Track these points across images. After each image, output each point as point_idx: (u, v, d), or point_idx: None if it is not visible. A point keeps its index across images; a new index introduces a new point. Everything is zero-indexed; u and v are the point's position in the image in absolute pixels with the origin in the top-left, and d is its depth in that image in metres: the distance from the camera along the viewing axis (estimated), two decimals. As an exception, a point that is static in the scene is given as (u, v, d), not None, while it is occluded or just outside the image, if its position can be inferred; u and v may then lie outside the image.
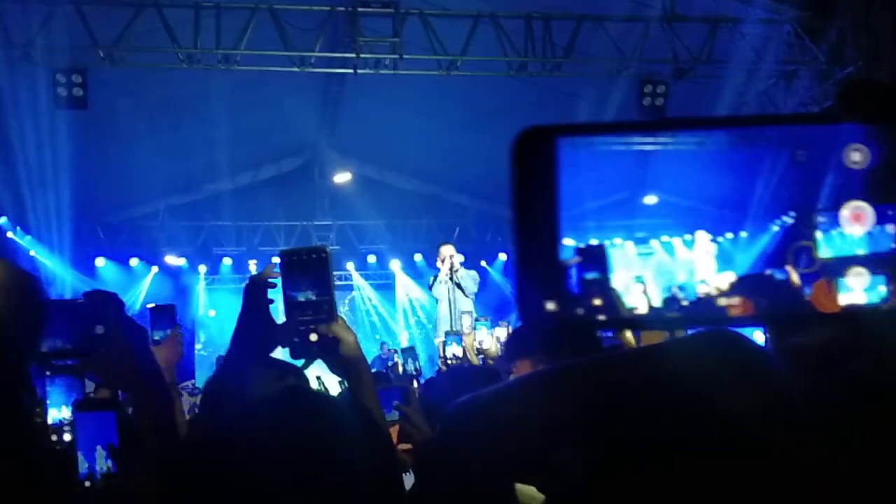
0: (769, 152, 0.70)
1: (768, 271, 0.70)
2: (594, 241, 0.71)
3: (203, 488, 1.24)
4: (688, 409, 0.78)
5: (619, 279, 0.71)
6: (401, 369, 7.04)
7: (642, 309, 0.71)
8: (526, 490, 2.27)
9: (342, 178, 17.87)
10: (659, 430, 0.82)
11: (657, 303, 0.71)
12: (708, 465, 0.80)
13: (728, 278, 0.71)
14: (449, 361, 6.25)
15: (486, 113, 14.35)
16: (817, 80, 11.93)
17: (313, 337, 1.98)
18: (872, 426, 0.72)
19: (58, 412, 3.01)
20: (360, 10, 10.94)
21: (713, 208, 0.71)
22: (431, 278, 9.80)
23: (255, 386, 2.02)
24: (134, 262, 17.10)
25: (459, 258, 9.50)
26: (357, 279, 19.18)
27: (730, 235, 0.71)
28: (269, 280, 1.99)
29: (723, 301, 0.70)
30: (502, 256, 18.16)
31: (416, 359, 6.81)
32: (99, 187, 14.73)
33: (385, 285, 19.12)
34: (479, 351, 5.99)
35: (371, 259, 18.41)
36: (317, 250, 2.00)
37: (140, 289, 17.20)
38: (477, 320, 6.34)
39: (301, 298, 1.97)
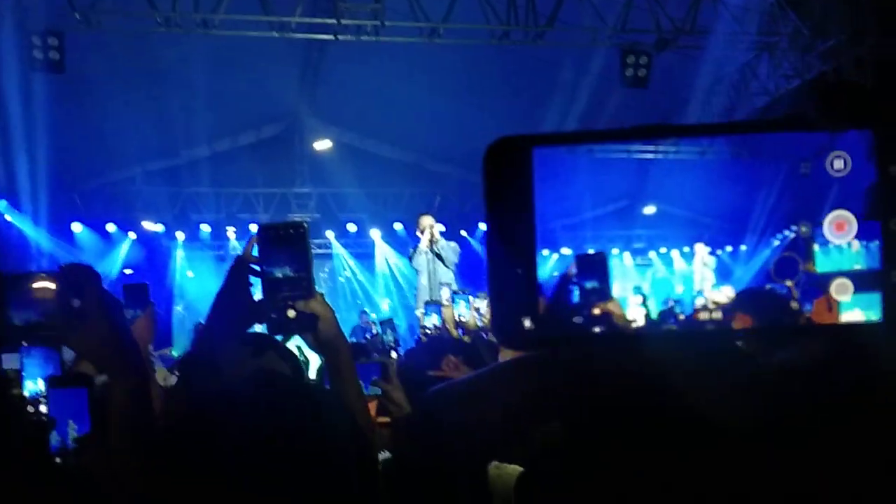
0: (766, 163, 0.67)
1: (768, 286, 0.68)
2: (591, 251, 0.68)
3: (178, 468, 1.25)
4: (660, 396, 0.78)
5: (617, 290, 0.68)
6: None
7: (640, 321, 0.68)
8: (507, 469, 2.28)
9: (322, 145, 17.73)
10: (628, 411, 0.81)
11: (654, 315, 0.69)
12: (675, 446, 0.80)
13: (727, 292, 0.68)
14: (428, 332, 6.25)
15: (469, 81, 14.27)
16: (800, 52, 11.93)
17: (291, 313, 1.96)
18: (849, 426, 0.72)
19: (34, 384, 2.97)
20: (341, -26, 10.81)
21: (713, 220, 0.68)
22: (411, 249, 9.76)
23: (230, 362, 2.00)
24: (111, 227, 16.94)
25: (439, 228, 9.47)
26: (337, 247, 19.11)
27: (729, 248, 0.69)
28: (253, 264, 1.96)
29: (721, 315, 0.68)
30: (483, 226, 18.12)
31: (394, 329, 6.82)
32: (75, 152, 14.53)
33: (365, 254, 19.05)
34: (459, 324, 5.99)
35: (351, 227, 18.32)
36: (295, 225, 1.98)
37: (117, 255, 17.07)
38: (456, 293, 6.32)
39: (279, 274, 1.95)
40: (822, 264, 0.66)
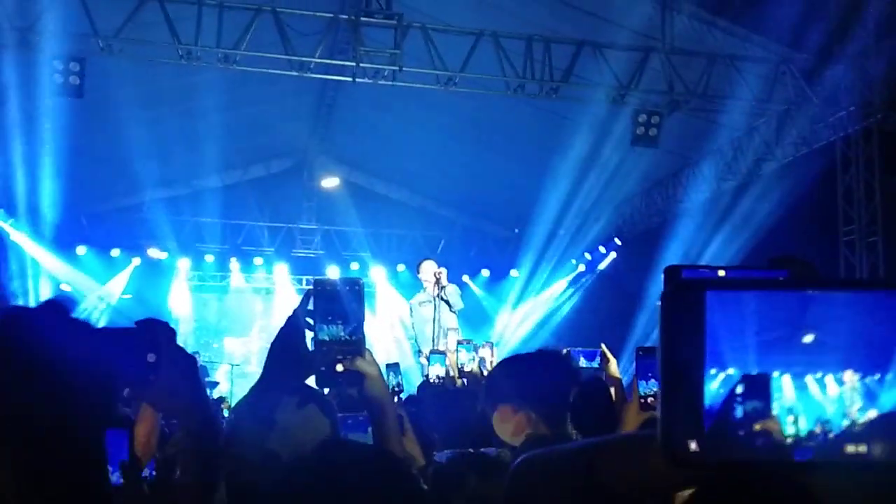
0: None
1: None
2: (755, 373, 0.75)
3: None
4: None
5: (776, 410, 0.75)
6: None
7: (793, 438, 0.75)
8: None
9: (330, 182, 17.86)
10: None
11: (803, 433, 0.75)
12: None
13: (871, 415, 0.75)
14: (432, 381, 6.24)
15: (481, 129, 14.42)
16: (809, 122, 12.07)
17: (339, 368, 2.01)
18: None
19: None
20: (362, 19, 10.97)
21: (865, 349, 0.76)
22: (414, 298, 9.69)
23: (284, 413, 2.06)
24: (115, 252, 16.96)
25: (444, 272, 9.47)
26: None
27: (877, 376, 0.75)
28: (307, 317, 2.02)
29: (863, 439, 0.75)
30: (485, 273, 18.20)
31: (398, 373, 6.80)
32: (86, 175, 14.61)
33: (366, 293, 18.99)
34: (463, 373, 6.00)
35: (354, 266, 18.34)
36: (351, 282, 2.04)
37: (120, 280, 17.07)
38: (461, 342, 6.33)
39: (331, 329, 1.99)
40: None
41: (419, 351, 9.53)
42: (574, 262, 17.42)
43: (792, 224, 11.19)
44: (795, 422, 0.76)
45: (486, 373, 6.10)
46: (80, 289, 16.10)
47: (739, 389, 0.75)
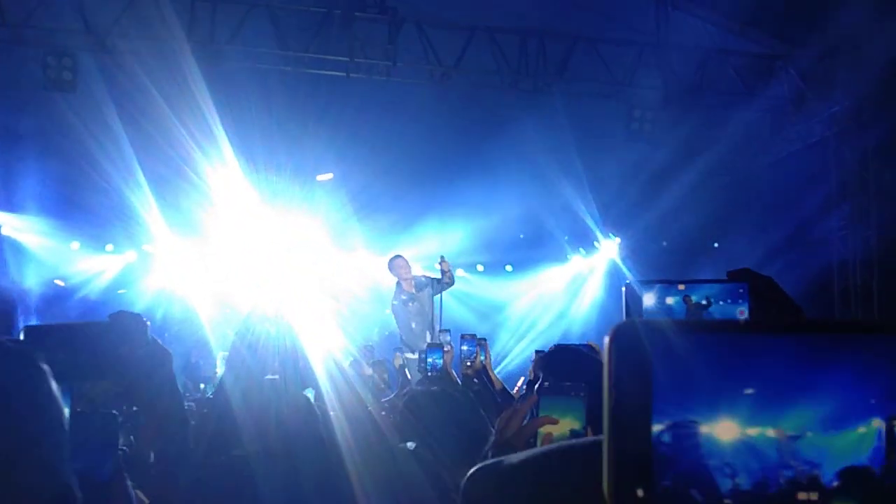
0: (863, 356, 0.73)
1: (858, 468, 0.73)
2: (690, 422, 0.73)
3: None
4: None
5: (714, 462, 0.73)
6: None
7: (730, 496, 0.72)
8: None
9: (325, 177, 17.78)
10: None
11: (746, 487, 0.73)
12: None
13: (814, 469, 0.73)
14: (430, 374, 6.19)
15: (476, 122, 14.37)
16: (804, 116, 12.10)
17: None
18: None
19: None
20: (356, 14, 10.96)
21: (806, 400, 0.74)
22: (399, 299, 9.57)
23: (255, 405, 2.11)
24: (109, 247, 16.88)
25: (418, 269, 9.51)
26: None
27: (819, 429, 0.73)
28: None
29: (807, 493, 0.73)
30: (479, 268, 18.20)
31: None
32: (79, 169, 14.54)
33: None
34: (462, 368, 5.98)
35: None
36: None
37: (114, 274, 17.01)
38: (464, 337, 6.27)
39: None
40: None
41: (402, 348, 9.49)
42: (570, 256, 17.44)
43: (784, 218, 11.23)
44: (733, 476, 0.73)
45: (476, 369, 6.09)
46: (73, 283, 16.06)
47: (671, 439, 0.73)
